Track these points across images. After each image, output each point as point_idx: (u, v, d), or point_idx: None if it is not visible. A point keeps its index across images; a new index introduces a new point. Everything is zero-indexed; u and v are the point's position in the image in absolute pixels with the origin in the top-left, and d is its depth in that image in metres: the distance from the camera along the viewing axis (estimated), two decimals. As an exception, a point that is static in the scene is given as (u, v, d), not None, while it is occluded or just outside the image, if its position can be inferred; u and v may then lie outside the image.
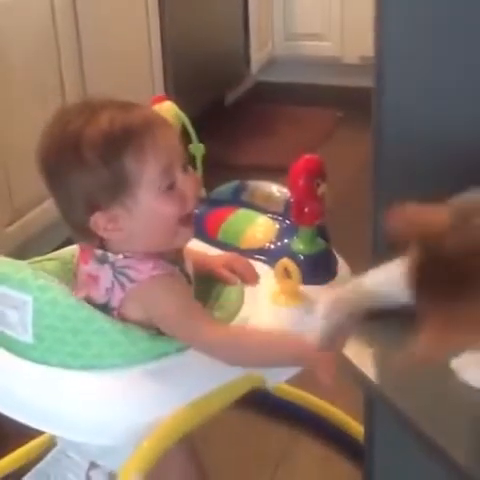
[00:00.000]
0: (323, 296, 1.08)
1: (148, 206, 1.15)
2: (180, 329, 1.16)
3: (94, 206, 1.14)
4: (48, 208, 2.36)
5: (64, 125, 1.16)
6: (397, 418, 1.01)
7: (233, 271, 1.33)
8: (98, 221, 1.15)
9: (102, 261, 1.18)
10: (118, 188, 1.13)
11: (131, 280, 1.16)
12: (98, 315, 1.16)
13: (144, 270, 1.16)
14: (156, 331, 1.18)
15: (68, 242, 1.33)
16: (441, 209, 0.85)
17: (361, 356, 1.07)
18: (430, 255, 0.84)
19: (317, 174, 1.31)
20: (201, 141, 1.53)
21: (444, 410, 0.98)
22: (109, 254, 1.18)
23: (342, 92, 3.50)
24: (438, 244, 0.83)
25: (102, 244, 1.18)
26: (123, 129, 1.13)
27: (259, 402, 1.61)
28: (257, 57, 3.63)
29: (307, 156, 1.33)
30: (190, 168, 1.20)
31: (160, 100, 1.54)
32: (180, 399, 1.16)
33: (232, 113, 3.48)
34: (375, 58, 1.09)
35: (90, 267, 1.20)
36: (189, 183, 1.18)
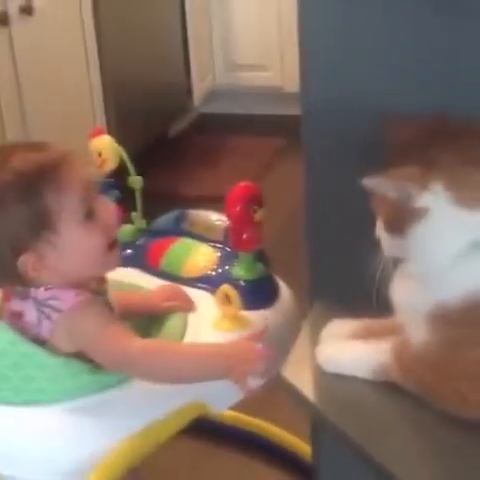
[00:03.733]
0: None
1: (72, 238, 1.17)
2: (103, 349, 1.16)
3: (20, 248, 1.16)
4: None
5: None
6: (340, 440, 1.03)
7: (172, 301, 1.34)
8: (26, 262, 1.16)
9: (24, 297, 1.19)
10: (40, 225, 1.15)
11: (56, 310, 1.17)
12: (38, 350, 1.16)
13: (67, 299, 1.17)
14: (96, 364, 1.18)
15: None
16: None
17: (303, 380, 1.08)
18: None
19: (253, 200, 1.32)
20: (145, 173, 1.55)
21: (386, 430, 1.00)
22: (31, 289, 1.18)
23: (284, 121, 3.53)
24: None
25: (25, 284, 1.19)
26: (37, 167, 1.15)
27: (206, 429, 1.62)
28: (199, 89, 3.66)
29: (242, 183, 1.35)
30: (105, 198, 1.25)
31: (98, 133, 1.55)
32: (123, 431, 1.16)
33: (176, 145, 3.49)
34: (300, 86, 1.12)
35: (12, 304, 1.20)
36: (108, 210, 1.21)
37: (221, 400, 1.26)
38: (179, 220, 1.54)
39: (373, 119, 1.02)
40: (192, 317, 1.32)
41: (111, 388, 1.17)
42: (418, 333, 0.97)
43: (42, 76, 2.53)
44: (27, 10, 2.41)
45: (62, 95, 2.65)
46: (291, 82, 3.64)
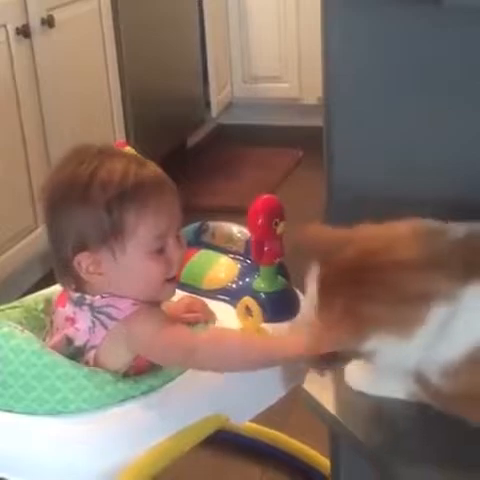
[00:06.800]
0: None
1: (133, 261, 1.18)
2: (163, 345, 1.17)
3: (83, 245, 1.17)
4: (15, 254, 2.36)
5: (78, 164, 1.18)
6: (359, 451, 1.03)
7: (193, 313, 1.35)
8: (82, 261, 1.17)
9: (79, 303, 1.20)
10: (111, 234, 1.16)
11: (112, 318, 1.18)
12: (63, 360, 1.17)
13: (125, 308, 1.18)
14: (122, 375, 1.20)
15: (38, 285, 1.34)
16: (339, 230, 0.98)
17: (325, 393, 1.09)
18: (331, 267, 0.95)
19: (275, 213, 1.33)
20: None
21: (408, 443, 1.01)
22: (86, 296, 1.20)
23: (301, 132, 3.55)
24: (336, 256, 0.94)
25: (79, 286, 1.21)
26: (134, 183, 1.16)
27: (228, 441, 1.62)
28: (217, 100, 3.68)
29: (265, 196, 1.36)
30: (181, 236, 1.23)
31: (121, 146, 1.56)
32: (146, 442, 1.16)
33: (194, 156, 3.51)
34: (324, 101, 1.13)
35: (67, 310, 1.22)
36: (177, 249, 1.21)
37: (242, 412, 1.27)
38: (200, 232, 1.55)
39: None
40: (213, 329, 1.33)
41: (134, 399, 1.18)
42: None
43: (62, 87, 2.55)
44: (49, 22, 2.44)
45: (82, 106, 2.68)
46: (308, 94, 3.67)
